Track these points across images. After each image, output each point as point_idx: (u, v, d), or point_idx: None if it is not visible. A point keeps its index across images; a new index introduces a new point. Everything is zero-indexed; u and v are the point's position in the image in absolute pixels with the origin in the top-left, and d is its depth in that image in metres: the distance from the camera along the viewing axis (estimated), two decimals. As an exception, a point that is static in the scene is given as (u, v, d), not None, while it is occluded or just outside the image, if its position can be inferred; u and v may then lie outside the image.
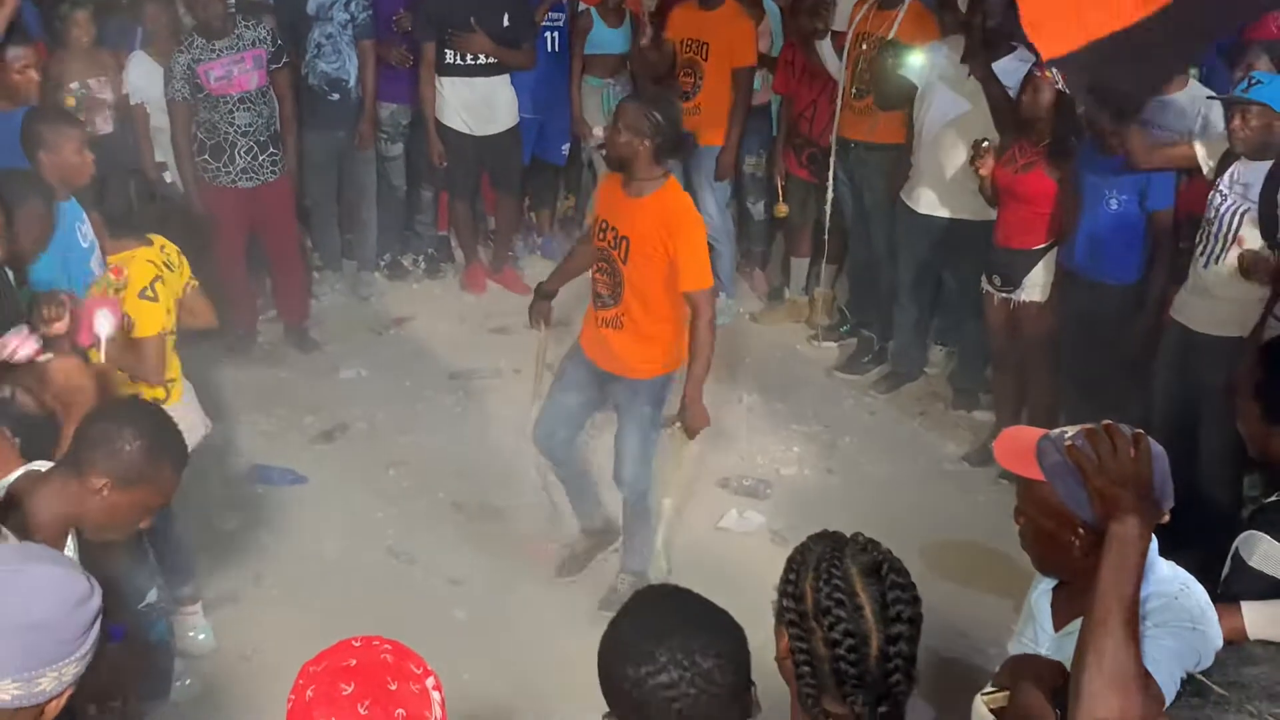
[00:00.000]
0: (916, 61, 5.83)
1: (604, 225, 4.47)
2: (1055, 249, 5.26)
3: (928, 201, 5.98)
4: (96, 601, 1.95)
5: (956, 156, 5.75)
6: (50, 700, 1.91)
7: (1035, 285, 5.33)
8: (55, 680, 1.89)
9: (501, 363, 6.56)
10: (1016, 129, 5.32)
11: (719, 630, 1.85)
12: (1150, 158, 4.87)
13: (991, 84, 5.52)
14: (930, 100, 5.84)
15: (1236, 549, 2.64)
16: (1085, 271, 5.13)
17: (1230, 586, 2.61)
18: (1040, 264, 5.30)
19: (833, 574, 1.90)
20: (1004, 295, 5.42)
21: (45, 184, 4.19)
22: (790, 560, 1.97)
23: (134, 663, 2.76)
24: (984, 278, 5.54)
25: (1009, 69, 5.51)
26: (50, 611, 1.87)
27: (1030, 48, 5.38)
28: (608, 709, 1.88)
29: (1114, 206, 5.00)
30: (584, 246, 4.82)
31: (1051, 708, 2.13)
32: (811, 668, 1.90)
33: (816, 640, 1.89)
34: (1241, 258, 4.41)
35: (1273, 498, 2.75)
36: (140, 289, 4.14)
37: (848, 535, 1.97)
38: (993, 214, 5.57)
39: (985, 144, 5.34)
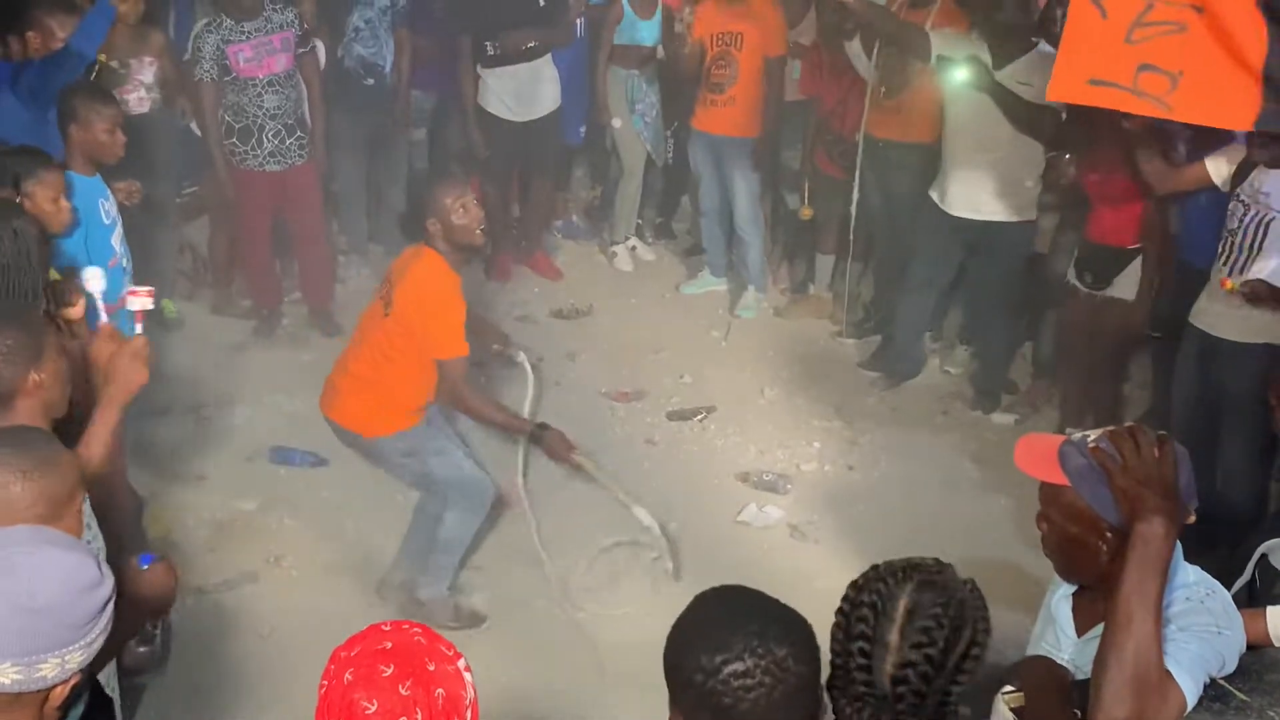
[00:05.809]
0: (955, 71, 5.61)
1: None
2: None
3: (961, 202, 5.84)
4: (106, 590, 1.90)
5: (990, 156, 5.69)
6: (55, 686, 1.87)
7: (1126, 283, 5.30)
8: (58, 667, 1.85)
9: (524, 351, 6.56)
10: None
11: (790, 621, 1.83)
12: (1164, 184, 4.86)
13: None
14: (961, 99, 5.74)
15: (1265, 556, 2.61)
16: (1193, 261, 5.05)
17: (1266, 593, 2.57)
18: (1135, 261, 5.26)
19: (889, 580, 1.91)
20: (1091, 292, 5.40)
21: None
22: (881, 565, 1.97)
23: (170, 582, 2.71)
24: (1073, 274, 5.49)
25: (1031, 65, 5.46)
26: (55, 597, 1.83)
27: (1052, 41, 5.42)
28: (671, 704, 1.85)
29: (1202, 201, 4.92)
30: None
31: (1068, 711, 2.12)
32: (840, 657, 1.92)
33: (849, 634, 1.91)
34: (1246, 285, 4.37)
35: None
36: None
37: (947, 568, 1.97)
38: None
39: (1067, 157, 5.37)
